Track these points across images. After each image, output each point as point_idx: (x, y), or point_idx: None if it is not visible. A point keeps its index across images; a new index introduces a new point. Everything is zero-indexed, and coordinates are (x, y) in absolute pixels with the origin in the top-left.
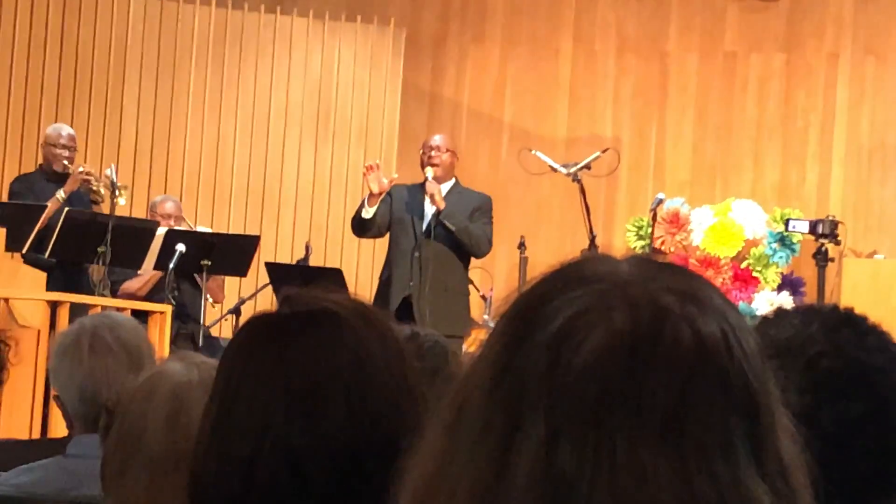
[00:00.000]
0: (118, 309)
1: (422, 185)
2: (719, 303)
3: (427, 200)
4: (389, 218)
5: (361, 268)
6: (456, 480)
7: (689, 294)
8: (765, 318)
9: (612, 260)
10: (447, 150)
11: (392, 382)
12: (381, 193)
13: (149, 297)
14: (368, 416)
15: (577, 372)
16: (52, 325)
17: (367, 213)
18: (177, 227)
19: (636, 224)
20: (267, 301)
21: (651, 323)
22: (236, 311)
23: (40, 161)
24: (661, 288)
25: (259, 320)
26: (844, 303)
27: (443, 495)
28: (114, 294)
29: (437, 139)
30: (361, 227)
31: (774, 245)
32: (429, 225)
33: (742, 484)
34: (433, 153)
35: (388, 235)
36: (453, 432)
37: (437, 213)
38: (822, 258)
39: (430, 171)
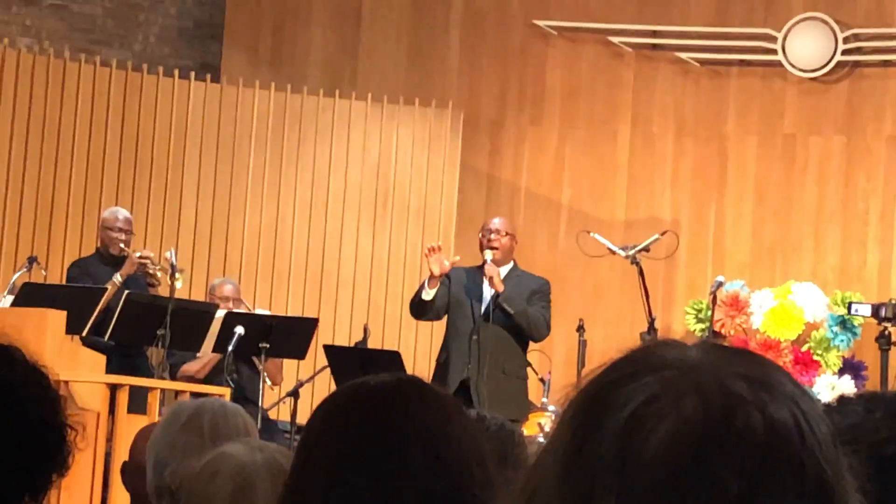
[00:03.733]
0: (177, 392)
1: (480, 268)
2: (791, 388)
3: (486, 283)
4: (448, 300)
5: (419, 350)
6: None
7: (760, 380)
8: (827, 406)
9: (681, 346)
10: (507, 234)
11: (467, 448)
12: (441, 275)
13: (207, 380)
14: (441, 476)
15: (647, 461)
16: (112, 409)
17: (427, 294)
18: (236, 310)
19: (695, 307)
20: (325, 383)
21: (722, 410)
22: (294, 393)
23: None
24: (732, 374)
25: (346, 385)
26: None
27: None
28: (173, 377)
29: (496, 222)
30: (420, 310)
31: (835, 328)
32: (487, 308)
33: None
34: (493, 236)
35: (445, 318)
36: None
37: (496, 296)
38: (884, 342)
39: (489, 254)
